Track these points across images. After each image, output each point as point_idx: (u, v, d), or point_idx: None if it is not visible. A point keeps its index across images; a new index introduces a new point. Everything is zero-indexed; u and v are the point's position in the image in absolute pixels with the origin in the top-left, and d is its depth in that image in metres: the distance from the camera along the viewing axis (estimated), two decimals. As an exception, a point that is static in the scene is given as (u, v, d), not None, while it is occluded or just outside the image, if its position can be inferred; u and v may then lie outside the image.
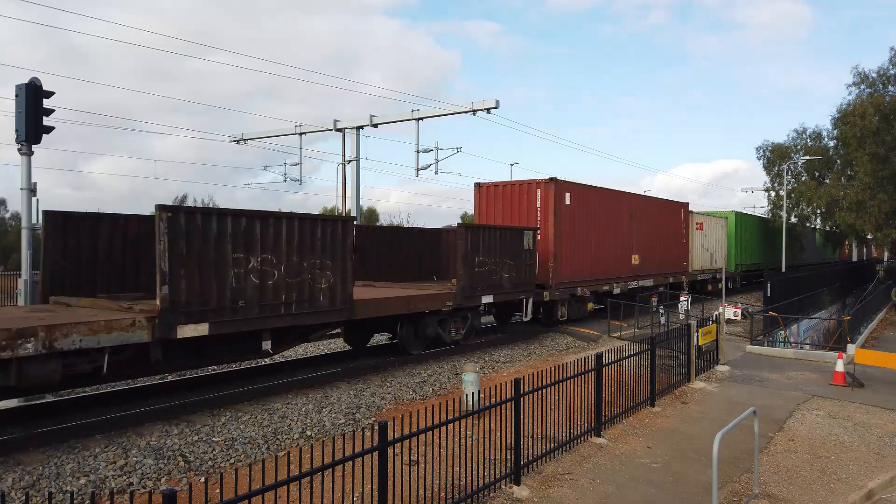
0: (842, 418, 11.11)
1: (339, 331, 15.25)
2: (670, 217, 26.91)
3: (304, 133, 27.64)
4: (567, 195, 18.84)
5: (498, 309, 18.37)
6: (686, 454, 8.98)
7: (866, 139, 33.41)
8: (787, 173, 40.64)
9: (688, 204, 28.64)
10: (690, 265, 28.79)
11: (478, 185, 19.79)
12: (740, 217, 37.18)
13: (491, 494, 7.17)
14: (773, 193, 43.59)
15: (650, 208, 25.00)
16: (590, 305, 20.46)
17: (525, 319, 17.27)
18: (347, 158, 26.76)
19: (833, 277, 30.93)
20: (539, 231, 18.02)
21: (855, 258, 70.27)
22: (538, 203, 18.49)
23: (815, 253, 52.60)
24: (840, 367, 13.74)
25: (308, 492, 5.57)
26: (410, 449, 7.14)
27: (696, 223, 29.56)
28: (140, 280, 11.16)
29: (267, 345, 10.44)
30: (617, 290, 21.58)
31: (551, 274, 18.13)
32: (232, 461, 8.11)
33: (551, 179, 18.37)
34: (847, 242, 57.01)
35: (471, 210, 26.52)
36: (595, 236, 20.43)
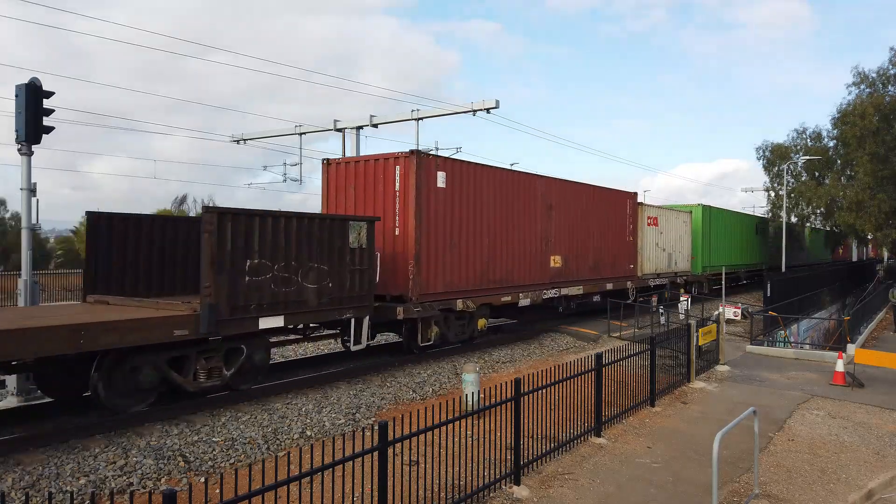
0: (842, 418, 11.11)
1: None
2: (610, 209, 21.78)
3: (304, 133, 27.60)
4: (440, 176, 13.90)
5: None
6: (686, 454, 8.98)
7: (866, 139, 33.40)
8: (787, 173, 40.62)
9: (636, 194, 23.71)
10: (640, 268, 23.72)
11: (325, 163, 14.93)
12: (709, 211, 32.00)
13: (491, 494, 7.17)
14: (772, 193, 43.58)
15: (579, 198, 19.80)
16: (482, 322, 15.61)
17: (356, 348, 12.29)
18: (347, 158, 26.73)
19: (833, 277, 30.93)
20: (397, 223, 13.56)
21: (855, 258, 70.18)
22: (396, 185, 13.56)
23: (808, 253, 49.62)
24: (840, 366, 13.74)
25: (308, 492, 5.57)
26: (410, 449, 7.14)
27: (648, 217, 24.49)
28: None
29: None
30: (526, 301, 16.98)
31: (412, 283, 13.16)
32: (232, 461, 8.11)
33: (413, 153, 13.42)
34: (843, 242, 56.55)
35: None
36: (488, 232, 15.54)
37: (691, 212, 29.65)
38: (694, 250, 29.48)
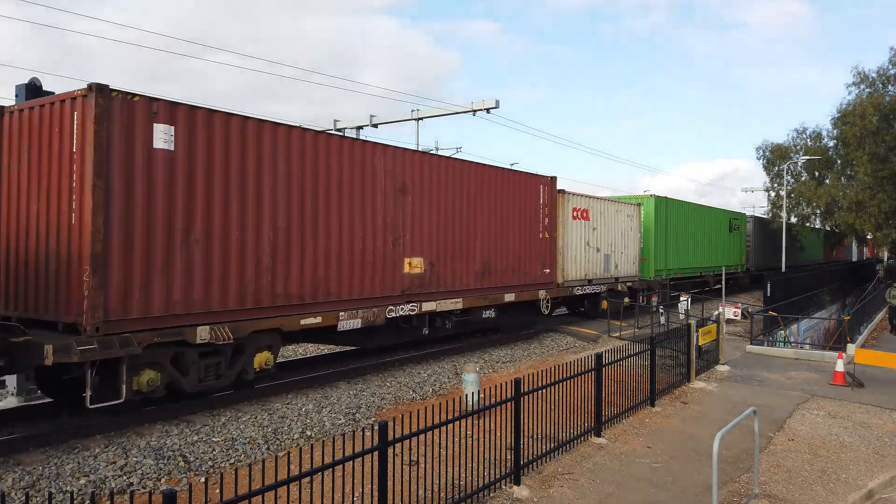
0: (842, 418, 11.12)
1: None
2: (512, 197, 16.50)
3: (304, 133, 27.55)
4: (161, 131, 9.01)
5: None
6: (686, 454, 8.98)
7: (866, 139, 33.41)
8: (787, 173, 40.61)
9: (553, 179, 18.31)
10: (560, 272, 18.55)
11: None
12: (665, 204, 26.45)
13: (491, 494, 7.17)
14: (772, 193, 43.58)
15: (456, 180, 14.55)
16: (262, 358, 10.32)
17: None
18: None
19: (832, 277, 30.95)
20: (73, 205, 8.48)
21: (855, 258, 70.14)
22: (74, 144, 8.51)
23: (802, 253, 45.20)
24: (840, 366, 13.75)
25: (308, 492, 5.58)
26: (410, 449, 7.14)
27: (575, 209, 19.46)
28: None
29: None
30: (353, 323, 11.72)
31: (87, 302, 8.12)
32: (232, 461, 8.12)
33: (91, 88, 8.32)
34: (841, 242, 55.96)
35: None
36: (273, 221, 10.37)
37: (640, 204, 24.43)
38: (644, 251, 24.62)
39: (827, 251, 54.64)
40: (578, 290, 19.72)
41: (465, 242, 14.89)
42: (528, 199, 17.27)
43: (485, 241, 15.52)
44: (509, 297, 16.27)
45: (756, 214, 40.91)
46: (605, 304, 20.38)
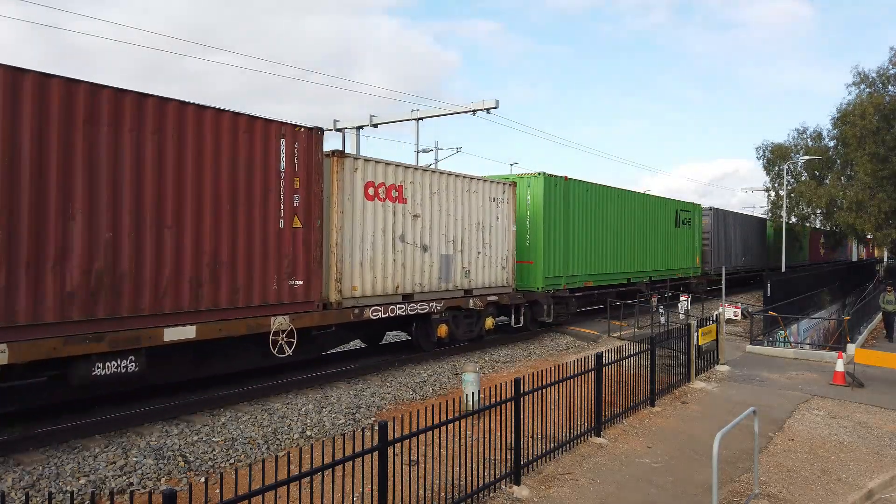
0: (842, 418, 11.12)
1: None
2: (196, 153, 9.35)
3: (304, 133, 27.47)
4: None
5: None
6: (686, 454, 8.98)
7: (866, 139, 33.45)
8: (787, 173, 40.60)
9: (314, 130, 11.06)
10: (336, 286, 11.73)
11: None
12: (562, 187, 18.65)
13: (491, 494, 7.17)
14: (772, 193, 43.60)
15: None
16: None
17: None
18: (347, 158, 26.54)
19: (832, 277, 30.99)
20: None
21: (855, 258, 70.09)
22: None
23: (778, 254, 38.57)
24: (840, 366, 13.76)
25: (308, 492, 5.58)
26: (410, 449, 7.14)
27: (370, 184, 12.48)
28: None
29: None
30: None
31: None
32: (232, 461, 8.12)
33: None
34: (838, 243, 55.52)
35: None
36: None
37: (514, 184, 17.14)
38: (528, 251, 17.90)
39: (814, 252, 50.51)
40: (377, 311, 12.42)
41: (18, 230, 7.61)
42: (249, 162, 10.13)
43: (98, 228, 8.34)
44: (179, 334, 9.14)
45: (716, 206, 32.48)
46: (442, 329, 14.25)
